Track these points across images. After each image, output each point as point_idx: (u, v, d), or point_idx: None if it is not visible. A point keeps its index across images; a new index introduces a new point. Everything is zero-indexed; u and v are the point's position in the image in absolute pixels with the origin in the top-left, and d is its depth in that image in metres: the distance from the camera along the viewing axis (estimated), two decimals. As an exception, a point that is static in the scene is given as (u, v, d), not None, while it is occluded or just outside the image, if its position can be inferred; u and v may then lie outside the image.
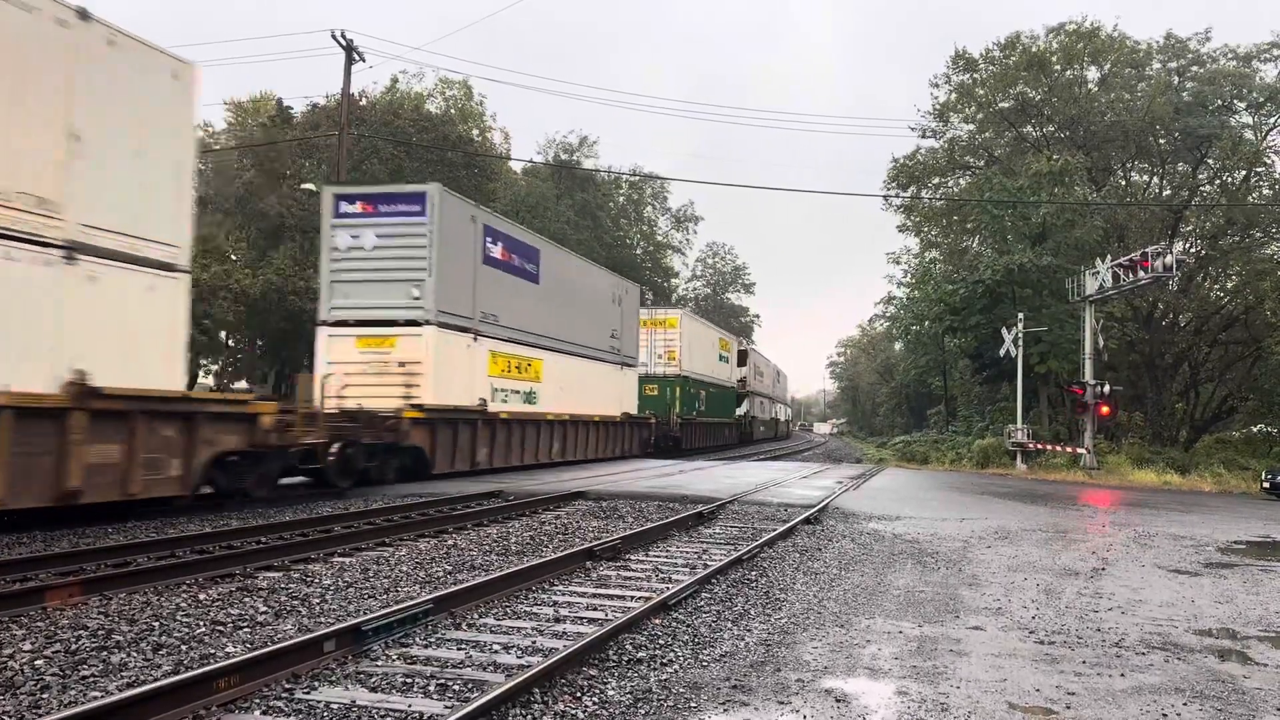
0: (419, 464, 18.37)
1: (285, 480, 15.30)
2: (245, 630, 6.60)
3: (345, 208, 19.01)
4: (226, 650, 6.03)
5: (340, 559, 9.69)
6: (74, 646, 5.96)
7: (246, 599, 7.57)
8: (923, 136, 43.05)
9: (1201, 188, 39.83)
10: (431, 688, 5.35)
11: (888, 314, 66.10)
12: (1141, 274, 28.59)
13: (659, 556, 10.35)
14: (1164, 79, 38.19)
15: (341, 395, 16.77)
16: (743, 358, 53.82)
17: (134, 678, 5.39)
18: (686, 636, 6.73)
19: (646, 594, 8.09)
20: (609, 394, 28.63)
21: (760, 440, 60.64)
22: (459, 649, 6.21)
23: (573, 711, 5.03)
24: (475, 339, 20.13)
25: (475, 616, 7.16)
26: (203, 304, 31.37)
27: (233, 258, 35.28)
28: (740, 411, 52.27)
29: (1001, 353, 33.00)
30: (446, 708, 4.98)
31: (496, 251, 21.19)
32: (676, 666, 5.95)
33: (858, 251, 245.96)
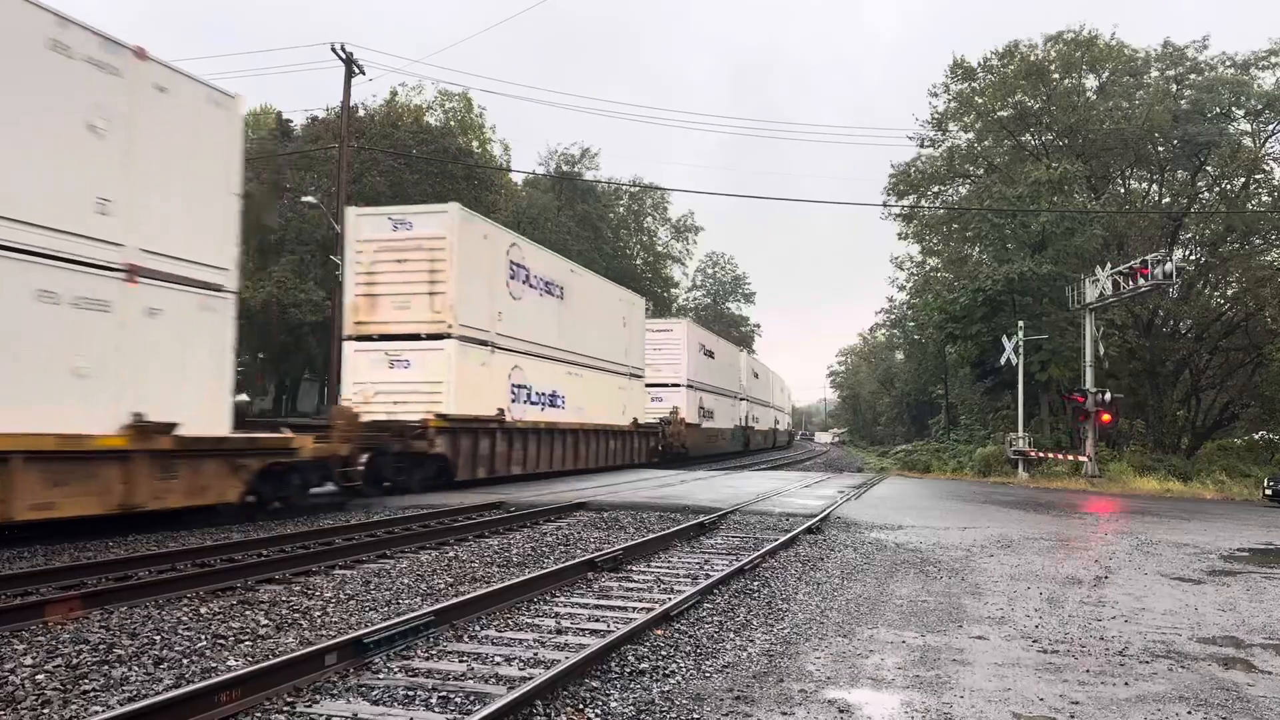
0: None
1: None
2: (246, 643, 6.58)
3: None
4: (228, 664, 6.01)
5: (341, 571, 9.67)
6: (75, 661, 5.95)
7: (248, 612, 7.56)
8: (921, 146, 43.22)
9: (1201, 195, 39.88)
10: (433, 700, 5.33)
11: (893, 315, 65.71)
12: (1141, 282, 28.63)
13: (661, 567, 10.33)
14: (1162, 87, 38.29)
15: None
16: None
17: (135, 692, 5.37)
18: (689, 647, 6.71)
19: (648, 605, 8.07)
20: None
21: (701, 460, 38.81)
22: (461, 661, 6.19)
23: (575, 724, 5.01)
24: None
25: (477, 628, 7.15)
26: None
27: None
28: (634, 415, 30.46)
29: (1002, 361, 33.03)
30: (448, 720, 4.98)
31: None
32: (679, 678, 5.93)
33: (863, 260, 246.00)
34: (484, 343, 20.43)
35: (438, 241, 19.18)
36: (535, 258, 23.54)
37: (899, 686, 5.84)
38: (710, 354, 43.81)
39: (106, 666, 5.87)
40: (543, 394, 23.43)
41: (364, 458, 16.61)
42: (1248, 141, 38.13)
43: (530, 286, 22.85)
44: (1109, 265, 30.87)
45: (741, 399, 52.52)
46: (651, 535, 12.43)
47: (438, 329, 19.04)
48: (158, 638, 6.61)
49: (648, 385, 34.24)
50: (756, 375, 60.24)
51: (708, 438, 42.08)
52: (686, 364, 38.82)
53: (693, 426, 38.39)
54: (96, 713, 4.90)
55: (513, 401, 21.63)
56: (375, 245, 19.48)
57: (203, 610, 7.60)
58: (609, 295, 29.58)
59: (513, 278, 21.89)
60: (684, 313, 79.75)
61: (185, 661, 6.05)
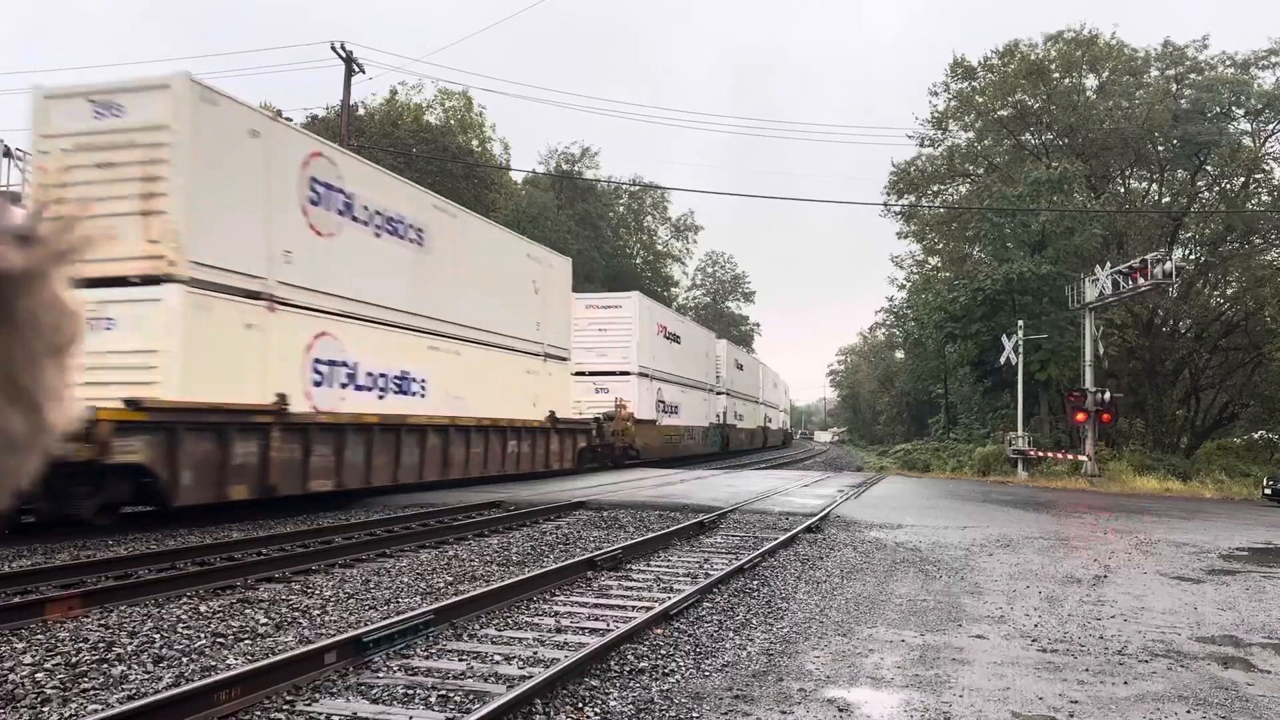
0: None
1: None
2: (246, 642, 6.59)
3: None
4: (228, 662, 6.02)
5: (341, 570, 9.68)
6: (75, 659, 5.95)
7: (247, 611, 7.56)
8: (922, 145, 43.25)
9: (1200, 194, 39.93)
10: (433, 699, 5.34)
11: (894, 313, 65.47)
12: (1141, 281, 28.62)
13: (660, 566, 10.33)
14: (1162, 86, 38.32)
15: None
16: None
17: (135, 690, 5.38)
18: (688, 646, 6.71)
19: (648, 604, 8.07)
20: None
21: (661, 464, 31.19)
22: (460, 660, 6.20)
23: (575, 722, 5.01)
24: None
25: (476, 627, 7.15)
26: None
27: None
28: (551, 408, 23.43)
29: (1002, 360, 33.04)
30: (448, 719, 4.98)
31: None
32: (679, 676, 5.93)
33: (864, 260, 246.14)
34: (253, 294, 13.76)
35: (157, 134, 12.44)
36: (366, 181, 16.60)
37: (898, 685, 5.84)
38: (674, 338, 37.34)
39: (106, 665, 5.87)
40: (380, 375, 16.77)
41: None
42: (1248, 141, 38.18)
43: (354, 220, 16.08)
44: (1109, 265, 30.87)
45: (719, 393, 46.13)
46: (651, 534, 12.43)
47: (154, 268, 12.23)
48: (157, 636, 6.61)
49: (591, 374, 29.81)
50: (740, 367, 53.69)
51: (667, 437, 35.37)
52: (638, 347, 32.12)
53: (645, 423, 31.95)
54: (96, 711, 4.90)
55: (316, 384, 15.04)
56: (70, 141, 12.74)
57: (202, 609, 7.60)
58: (510, 249, 22.36)
59: (317, 203, 15.09)
60: (684, 311, 75.71)
61: (185, 660, 6.05)
